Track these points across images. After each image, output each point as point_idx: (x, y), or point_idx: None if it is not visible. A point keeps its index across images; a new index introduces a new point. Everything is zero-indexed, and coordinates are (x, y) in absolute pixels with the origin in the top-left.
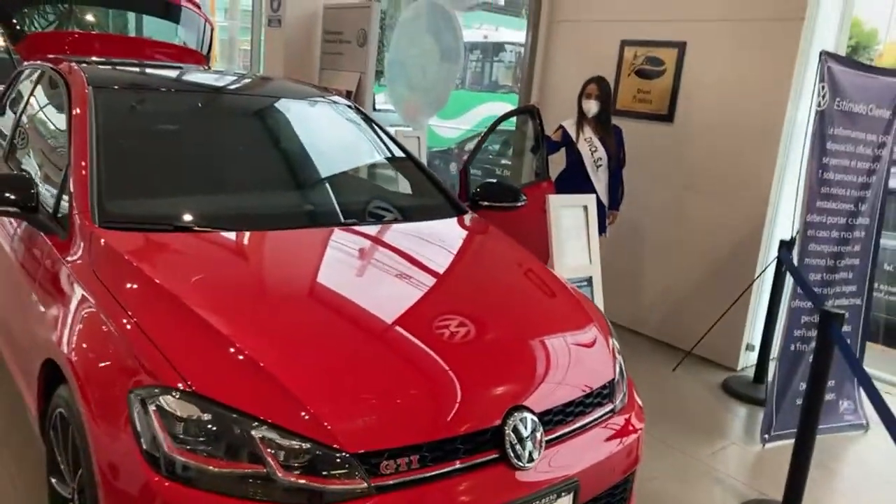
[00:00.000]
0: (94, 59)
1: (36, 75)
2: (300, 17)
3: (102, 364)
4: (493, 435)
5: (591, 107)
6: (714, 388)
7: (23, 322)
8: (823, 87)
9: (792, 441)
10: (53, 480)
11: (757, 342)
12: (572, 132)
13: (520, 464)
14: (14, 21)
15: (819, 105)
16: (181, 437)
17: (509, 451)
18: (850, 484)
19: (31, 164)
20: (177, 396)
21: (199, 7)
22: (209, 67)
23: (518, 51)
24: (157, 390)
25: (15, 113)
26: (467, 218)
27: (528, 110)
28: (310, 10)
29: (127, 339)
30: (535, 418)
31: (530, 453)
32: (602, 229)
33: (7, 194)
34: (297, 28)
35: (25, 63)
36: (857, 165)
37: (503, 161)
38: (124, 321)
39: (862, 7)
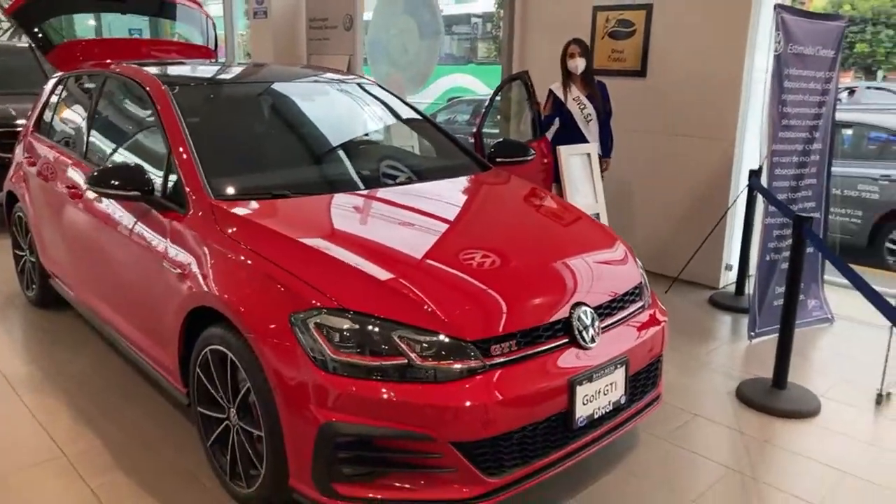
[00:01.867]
0: (141, 62)
1: (91, 81)
2: (284, 7)
3: (258, 299)
4: (565, 324)
5: (579, 64)
6: (702, 303)
7: (152, 289)
8: (779, 35)
9: (773, 336)
10: (202, 410)
11: (735, 262)
12: (560, 94)
13: (586, 344)
14: (37, 32)
15: (776, 50)
16: (338, 343)
17: (577, 335)
18: (823, 363)
19: (118, 156)
20: (328, 313)
21: (199, 4)
22: (217, 60)
23: (472, 21)
24: (313, 311)
25: (75, 116)
26: (492, 171)
27: (519, 76)
28: (293, 0)
29: (272, 277)
30: (592, 311)
31: (592, 336)
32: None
33: (128, 182)
34: (283, 17)
35: (62, 71)
36: (810, 99)
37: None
38: (266, 263)
39: None
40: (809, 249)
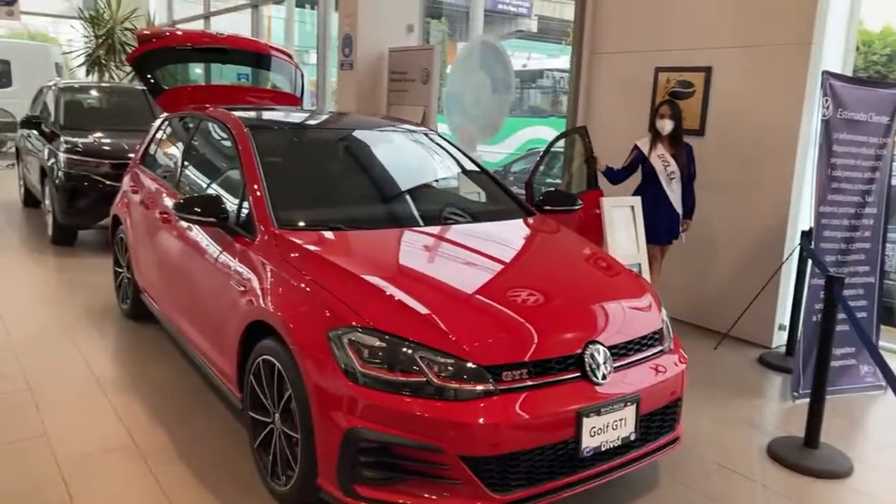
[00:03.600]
0: (233, 106)
1: (189, 122)
2: (369, 60)
3: (304, 316)
4: (577, 360)
5: (666, 125)
6: (751, 362)
7: (221, 303)
8: (827, 101)
9: None
10: (252, 414)
11: (787, 322)
12: (645, 149)
13: (595, 380)
14: (150, 78)
15: (824, 115)
16: (367, 358)
17: (588, 371)
18: (865, 428)
19: (202, 188)
20: (362, 332)
21: (290, 56)
22: (302, 107)
23: (555, 76)
24: (348, 329)
25: (173, 152)
26: (535, 218)
27: (577, 131)
28: (377, 54)
29: (318, 298)
30: (606, 350)
31: (603, 374)
32: (675, 235)
33: (207, 210)
34: (367, 70)
35: (166, 113)
36: (862, 164)
37: (547, 180)
38: (314, 285)
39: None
40: (863, 314)
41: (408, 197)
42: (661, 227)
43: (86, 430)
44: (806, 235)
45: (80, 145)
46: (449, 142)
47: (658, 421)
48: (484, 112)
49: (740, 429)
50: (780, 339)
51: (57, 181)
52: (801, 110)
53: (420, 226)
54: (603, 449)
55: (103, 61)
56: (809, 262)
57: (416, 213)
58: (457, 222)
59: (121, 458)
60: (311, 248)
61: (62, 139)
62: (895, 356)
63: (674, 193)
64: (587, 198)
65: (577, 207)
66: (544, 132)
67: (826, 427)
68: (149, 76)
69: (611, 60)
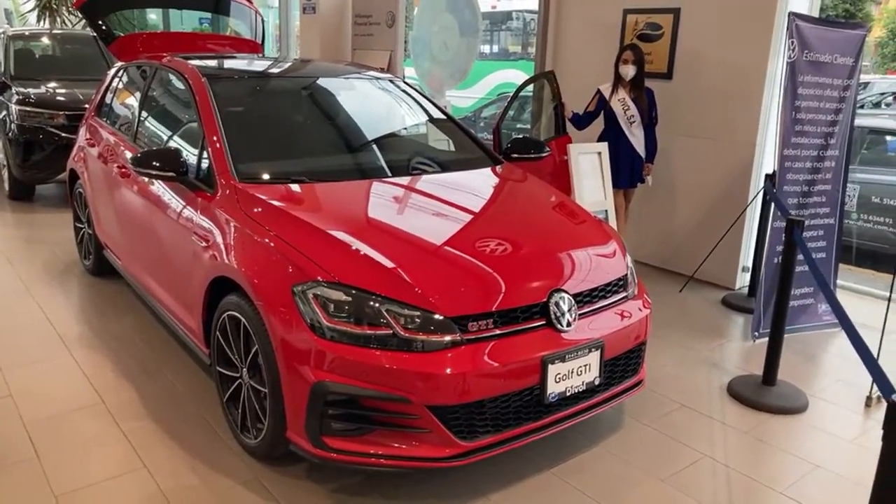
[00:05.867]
0: (190, 55)
1: (145, 71)
2: (332, 3)
3: (268, 270)
4: (542, 309)
5: (629, 71)
6: (715, 303)
7: (184, 259)
8: (792, 42)
9: None
10: (220, 369)
11: (751, 264)
12: (607, 94)
13: (560, 328)
14: (100, 24)
15: (789, 58)
16: (332, 312)
17: (553, 319)
18: (822, 365)
19: (160, 140)
20: (326, 286)
21: (249, 1)
22: (263, 54)
23: (525, 17)
24: (312, 284)
25: (130, 102)
26: (503, 167)
27: (545, 75)
28: None
29: (282, 253)
30: (571, 298)
31: (568, 321)
32: (640, 179)
33: (166, 164)
34: (330, 14)
35: (121, 62)
36: (826, 106)
37: (518, 125)
38: (277, 240)
39: None
40: (822, 255)
41: (372, 147)
42: (623, 171)
43: (51, 389)
44: (770, 178)
45: (33, 96)
46: (414, 88)
47: (622, 365)
48: (452, 56)
49: (702, 369)
50: (743, 280)
51: (10, 134)
52: (768, 52)
53: (385, 176)
54: (568, 394)
55: (54, 6)
56: (773, 204)
57: (380, 163)
58: (422, 172)
59: (88, 415)
60: (273, 201)
61: (13, 90)
62: (852, 294)
63: (635, 137)
64: (556, 144)
65: (544, 154)
66: (515, 75)
67: (784, 365)
68: (99, 22)
69: (579, 1)
